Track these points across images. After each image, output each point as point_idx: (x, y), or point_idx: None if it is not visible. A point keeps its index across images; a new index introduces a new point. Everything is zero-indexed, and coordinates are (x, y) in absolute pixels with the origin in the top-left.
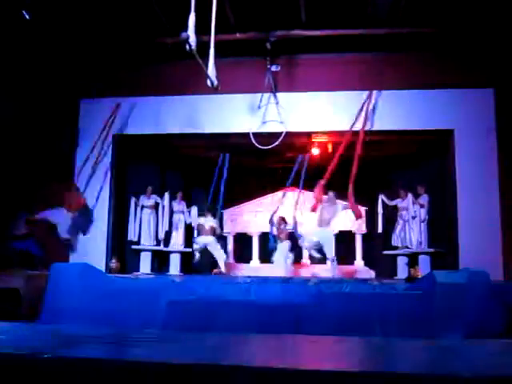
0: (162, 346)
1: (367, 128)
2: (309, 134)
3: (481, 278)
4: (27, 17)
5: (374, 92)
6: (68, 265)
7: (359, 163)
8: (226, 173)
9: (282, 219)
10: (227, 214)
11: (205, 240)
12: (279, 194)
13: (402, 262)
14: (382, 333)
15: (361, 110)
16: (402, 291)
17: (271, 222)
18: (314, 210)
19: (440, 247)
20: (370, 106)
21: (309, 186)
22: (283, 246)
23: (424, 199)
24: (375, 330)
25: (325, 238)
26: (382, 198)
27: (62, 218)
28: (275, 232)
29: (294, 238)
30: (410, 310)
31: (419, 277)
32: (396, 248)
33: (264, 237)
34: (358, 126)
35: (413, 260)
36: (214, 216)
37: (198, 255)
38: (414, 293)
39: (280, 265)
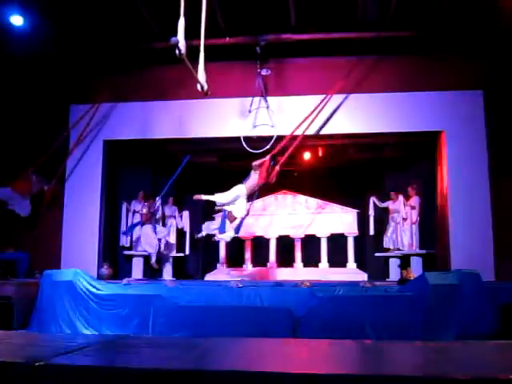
0: (155, 352)
1: (309, 133)
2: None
3: (472, 278)
4: (19, 22)
5: (329, 96)
6: (59, 272)
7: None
8: (179, 171)
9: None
10: (218, 218)
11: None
12: (271, 197)
13: (394, 263)
14: (375, 335)
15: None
16: (395, 293)
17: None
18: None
19: (432, 249)
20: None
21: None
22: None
23: (415, 201)
24: (368, 332)
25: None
26: (373, 200)
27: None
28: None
29: None
30: (403, 312)
31: (411, 278)
32: (388, 250)
33: (256, 240)
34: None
35: (405, 262)
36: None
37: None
38: (406, 294)
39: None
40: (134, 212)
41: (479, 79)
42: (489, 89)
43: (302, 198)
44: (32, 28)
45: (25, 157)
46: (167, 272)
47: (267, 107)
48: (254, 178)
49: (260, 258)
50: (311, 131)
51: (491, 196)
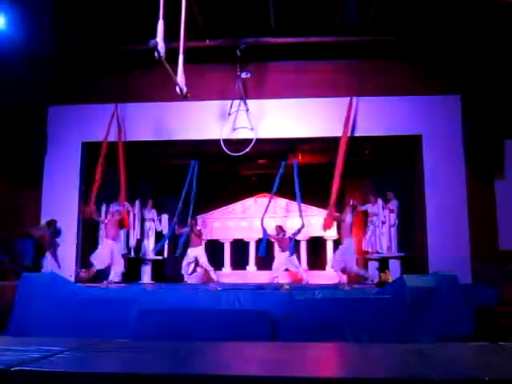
0: (134, 356)
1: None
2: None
3: (450, 281)
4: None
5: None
6: (37, 275)
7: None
8: (196, 181)
9: (280, 228)
10: (198, 221)
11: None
12: (250, 200)
13: (372, 266)
14: (354, 337)
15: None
16: (373, 296)
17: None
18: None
19: (410, 251)
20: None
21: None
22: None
23: (393, 204)
24: (347, 335)
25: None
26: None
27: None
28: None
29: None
30: (381, 315)
31: (389, 281)
32: (366, 253)
33: (235, 244)
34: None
35: (383, 264)
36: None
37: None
38: (384, 297)
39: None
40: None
41: (456, 84)
42: (466, 93)
43: (282, 201)
44: (12, 28)
45: (1, 157)
46: (146, 275)
47: (247, 110)
48: None
49: (239, 261)
50: (291, 135)
51: (468, 199)
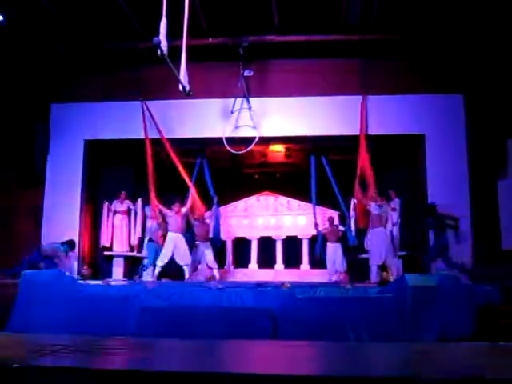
0: (135, 354)
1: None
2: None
3: (451, 281)
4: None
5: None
6: (38, 272)
7: None
8: (210, 177)
9: (332, 219)
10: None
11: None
12: (253, 198)
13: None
14: (355, 336)
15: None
16: (375, 295)
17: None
18: None
19: (412, 250)
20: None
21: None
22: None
23: (396, 203)
24: (348, 334)
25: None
26: (354, 202)
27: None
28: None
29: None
30: (383, 313)
31: (391, 280)
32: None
33: (238, 241)
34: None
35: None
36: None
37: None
38: (386, 296)
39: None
40: (115, 212)
41: (459, 83)
42: (469, 92)
43: (283, 199)
44: (12, 24)
45: (3, 156)
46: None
47: (249, 108)
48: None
49: (241, 260)
50: (292, 133)
51: (470, 199)
